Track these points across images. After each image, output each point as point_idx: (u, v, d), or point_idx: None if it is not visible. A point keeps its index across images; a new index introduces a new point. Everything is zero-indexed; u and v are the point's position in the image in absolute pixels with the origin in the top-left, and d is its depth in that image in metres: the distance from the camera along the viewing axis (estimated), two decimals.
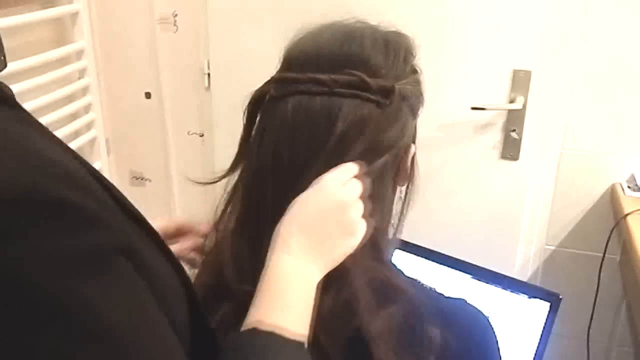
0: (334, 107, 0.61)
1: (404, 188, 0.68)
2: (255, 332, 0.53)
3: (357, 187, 0.61)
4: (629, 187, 1.47)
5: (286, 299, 0.56)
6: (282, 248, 0.58)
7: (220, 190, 0.69)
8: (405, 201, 0.66)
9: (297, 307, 0.56)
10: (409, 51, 0.67)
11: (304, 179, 0.61)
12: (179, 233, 0.78)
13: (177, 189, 1.87)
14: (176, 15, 1.68)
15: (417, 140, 0.70)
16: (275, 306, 0.55)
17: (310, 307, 0.57)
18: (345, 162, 0.61)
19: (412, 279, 0.68)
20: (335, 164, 0.60)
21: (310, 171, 0.61)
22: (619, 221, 1.38)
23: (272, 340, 0.52)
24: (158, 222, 0.71)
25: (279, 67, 0.67)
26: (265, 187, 0.64)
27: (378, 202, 0.63)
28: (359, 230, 0.61)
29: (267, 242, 0.62)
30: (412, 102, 0.66)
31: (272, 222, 0.62)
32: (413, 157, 0.68)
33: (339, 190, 0.60)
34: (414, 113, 0.68)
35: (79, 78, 1.66)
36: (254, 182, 0.66)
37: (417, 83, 0.68)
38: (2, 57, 0.53)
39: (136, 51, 1.75)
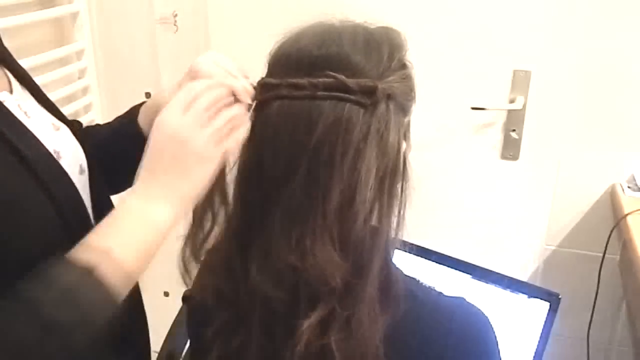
0: (314, 111, 0.60)
1: (399, 186, 0.67)
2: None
3: (199, 109, 0.63)
4: (629, 187, 1.47)
5: (112, 229, 0.61)
6: (130, 191, 0.63)
7: None
8: (401, 200, 0.65)
9: (124, 237, 0.60)
10: (394, 46, 0.65)
11: (287, 185, 0.60)
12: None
13: None
14: (176, 15, 1.68)
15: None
16: (100, 232, 0.61)
17: (145, 244, 0.61)
18: (337, 167, 0.60)
19: (411, 277, 0.68)
20: (319, 169, 0.60)
21: (294, 177, 0.60)
22: (619, 221, 1.38)
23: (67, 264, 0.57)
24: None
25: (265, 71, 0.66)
26: (251, 191, 0.64)
27: (380, 204, 0.63)
28: (210, 156, 0.63)
29: (255, 247, 0.62)
30: (400, 99, 0.64)
31: (259, 227, 0.62)
32: (405, 155, 0.66)
33: (173, 124, 0.62)
34: (405, 110, 0.65)
35: (79, 78, 1.66)
36: (241, 186, 0.66)
37: (406, 78, 0.65)
38: None
39: (136, 51, 1.75)
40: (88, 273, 0.57)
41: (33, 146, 0.65)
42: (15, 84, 0.72)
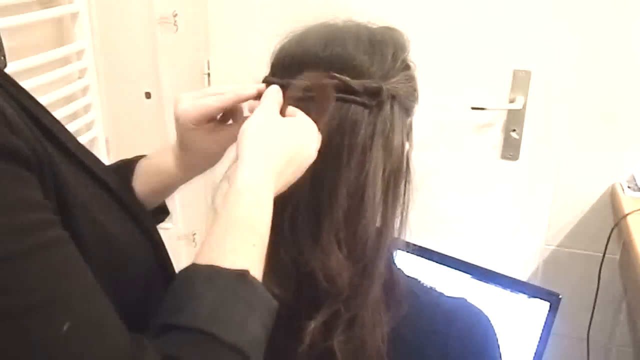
0: None
1: (402, 187, 0.67)
2: (192, 266, 0.50)
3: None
4: (629, 187, 1.47)
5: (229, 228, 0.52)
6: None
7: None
8: (404, 201, 0.65)
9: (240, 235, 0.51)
10: (398, 47, 0.64)
11: (293, 186, 0.59)
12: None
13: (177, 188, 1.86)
14: (176, 15, 1.68)
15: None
16: (216, 236, 0.51)
17: (260, 226, 0.53)
18: (344, 169, 0.59)
19: (412, 278, 0.68)
20: (325, 171, 0.59)
21: (300, 178, 0.59)
22: (619, 221, 1.38)
23: (205, 270, 0.49)
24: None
25: (267, 70, 0.66)
26: None
27: (385, 205, 0.63)
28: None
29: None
30: (404, 100, 0.64)
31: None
32: (408, 155, 0.66)
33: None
34: (408, 111, 0.65)
35: (79, 78, 1.66)
36: None
37: (410, 79, 0.65)
38: (2, 57, 0.54)
39: (136, 51, 1.75)
40: (242, 275, 0.49)
41: (115, 181, 0.59)
42: None
